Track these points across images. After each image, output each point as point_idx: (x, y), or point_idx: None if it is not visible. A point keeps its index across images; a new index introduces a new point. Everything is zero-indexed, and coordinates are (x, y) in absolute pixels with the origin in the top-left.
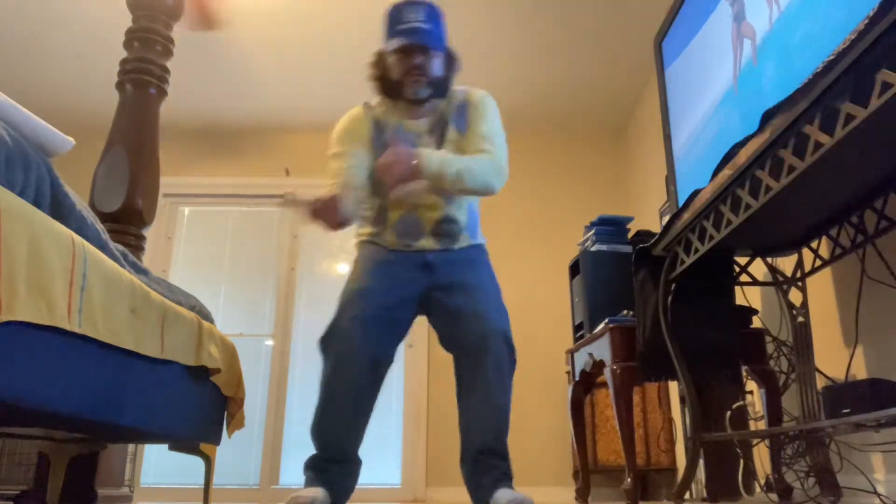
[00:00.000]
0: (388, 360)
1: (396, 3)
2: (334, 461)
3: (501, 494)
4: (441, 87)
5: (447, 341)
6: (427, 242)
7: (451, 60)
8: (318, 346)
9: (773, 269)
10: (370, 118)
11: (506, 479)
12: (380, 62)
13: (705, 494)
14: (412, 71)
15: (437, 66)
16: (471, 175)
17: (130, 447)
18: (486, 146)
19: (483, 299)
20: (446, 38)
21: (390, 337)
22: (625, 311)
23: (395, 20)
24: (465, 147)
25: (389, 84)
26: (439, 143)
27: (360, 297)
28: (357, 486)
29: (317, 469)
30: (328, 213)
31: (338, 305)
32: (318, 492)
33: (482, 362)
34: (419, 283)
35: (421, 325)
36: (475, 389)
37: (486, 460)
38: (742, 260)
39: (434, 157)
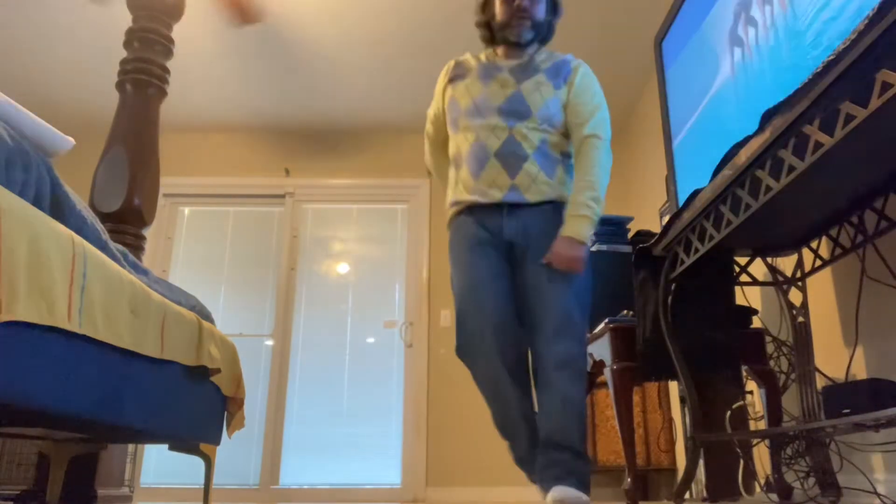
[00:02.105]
0: (522, 338)
1: None
2: (533, 447)
3: (553, 492)
4: (543, 32)
5: (521, 318)
6: (494, 169)
7: (554, 7)
8: (459, 356)
9: (773, 269)
10: (450, 68)
11: (567, 475)
12: (486, 8)
13: (705, 494)
14: (518, 12)
15: (540, 9)
16: (602, 180)
17: (130, 447)
18: (593, 128)
19: (546, 292)
20: None
21: (514, 316)
22: (625, 311)
23: None
24: (568, 111)
25: (493, 30)
26: (521, 83)
27: (473, 293)
28: (357, 486)
29: (527, 461)
30: None
31: (457, 305)
32: (570, 490)
33: (551, 355)
34: (508, 264)
35: (421, 324)
36: (544, 382)
37: (549, 454)
38: (742, 260)
39: (585, 224)
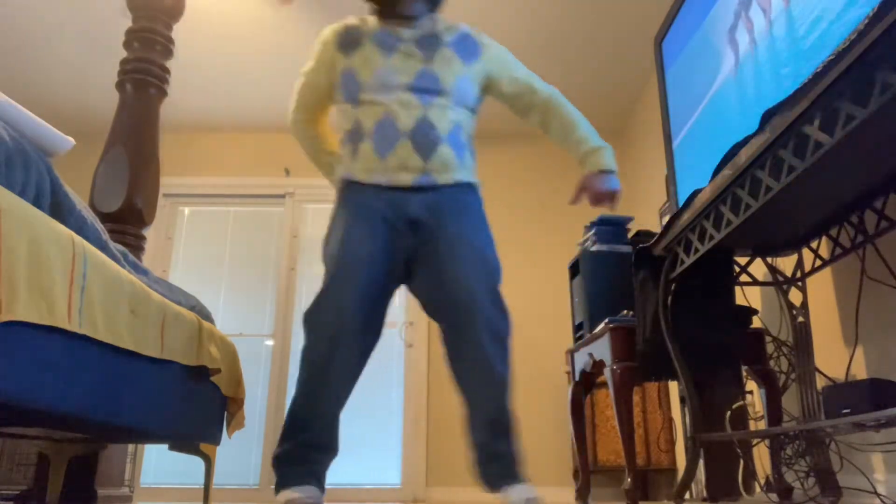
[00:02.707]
0: (378, 335)
1: None
2: (323, 450)
3: (514, 492)
4: (434, 1)
5: (431, 310)
6: (405, 151)
7: None
8: (304, 321)
9: (773, 269)
10: (337, 31)
11: (517, 468)
12: None
13: (705, 494)
14: None
15: None
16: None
17: (130, 447)
18: (547, 87)
19: (470, 260)
20: None
21: (381, 307)
22: (625, 311)
23: None
24: (499, 84)
25: (382, 1)
26: (428, 58)
27: (347, 263)
28: (357, 486)
29: (303, 461)
30: None
31: (326, 273)
32: (314, 491)
33: (474, 333)
34: (400, 243)
35: (421, 324)
36: (471, 365)
37: (493, 445)
38: (742, 260)
39: (609, 153)
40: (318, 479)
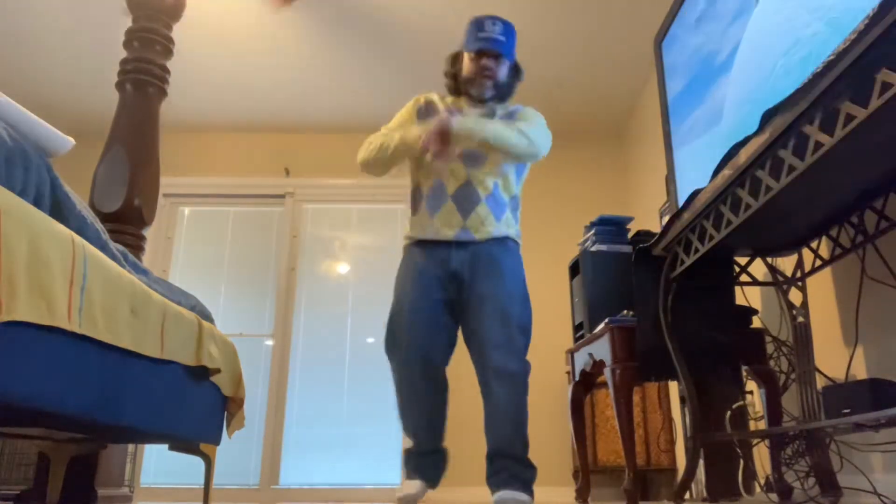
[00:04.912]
0: (441, 363)
1: (479, 16)
2: (422, 454)
3: (500, 495)
4: (503, 92)
5: (470, 348)
6: (449, 210)
7: (516, 71)
8: (385, 349)
9: (773, 269)
10: (419, 102)
11: (514, 480)
12: (455, 62)
13: (705, 494)
14: (483, 71)
15: (503, 72)
16: (500, 131)
17: (130, 447)
18: (523, 126)
19: (491, 317)
20: (515, 52)
21: (437, 341)
22: (625, 311)
23: (477, 28)
24: None
25: (459, 82)
26: None
27: (407, 307)
28: (357, 486)
29: (411, 463)
30: None
31: (391, 312)
32: (416, 484)
33: (487, 375)
34: (447, 294)
35: None
36: (486, 393)
37: (498, 461)
38: (742, 260)
39: (469, 119)
40: (420, 472)
